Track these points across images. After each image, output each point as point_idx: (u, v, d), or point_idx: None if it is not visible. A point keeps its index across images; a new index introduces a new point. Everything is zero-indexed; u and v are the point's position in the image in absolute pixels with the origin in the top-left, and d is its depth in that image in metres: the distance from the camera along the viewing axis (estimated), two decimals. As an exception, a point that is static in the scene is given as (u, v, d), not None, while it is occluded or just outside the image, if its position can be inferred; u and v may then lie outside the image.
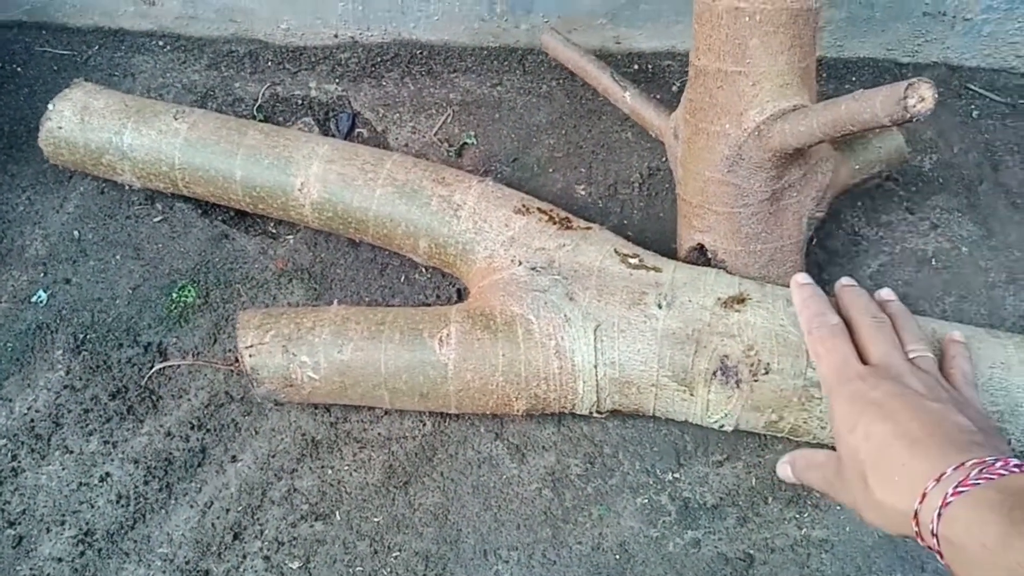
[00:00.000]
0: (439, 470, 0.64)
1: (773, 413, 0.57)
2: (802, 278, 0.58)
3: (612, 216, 0.75)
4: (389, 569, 0.61)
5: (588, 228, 0.65)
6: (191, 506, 0.63)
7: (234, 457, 0.65)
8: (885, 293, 0.59)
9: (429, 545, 0.62)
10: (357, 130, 0.80)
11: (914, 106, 0.46)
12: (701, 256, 0.66)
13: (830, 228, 0.73)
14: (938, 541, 0.39)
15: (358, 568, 0.61)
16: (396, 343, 0.59)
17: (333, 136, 0.80)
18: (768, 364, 0.56)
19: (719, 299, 0.59)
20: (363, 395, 0.60)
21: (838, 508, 0.62)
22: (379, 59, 0.84)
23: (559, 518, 0.62)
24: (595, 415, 0.61)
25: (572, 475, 0.64)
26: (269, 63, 0.84)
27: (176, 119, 0.69)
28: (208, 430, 0.66)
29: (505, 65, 0.83)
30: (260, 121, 0.80)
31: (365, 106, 0.81)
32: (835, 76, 0.83)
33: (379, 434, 0.66)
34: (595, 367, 0.58)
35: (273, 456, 0.65)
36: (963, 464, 0.40)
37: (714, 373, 0.57)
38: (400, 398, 0.60)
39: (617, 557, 0.61)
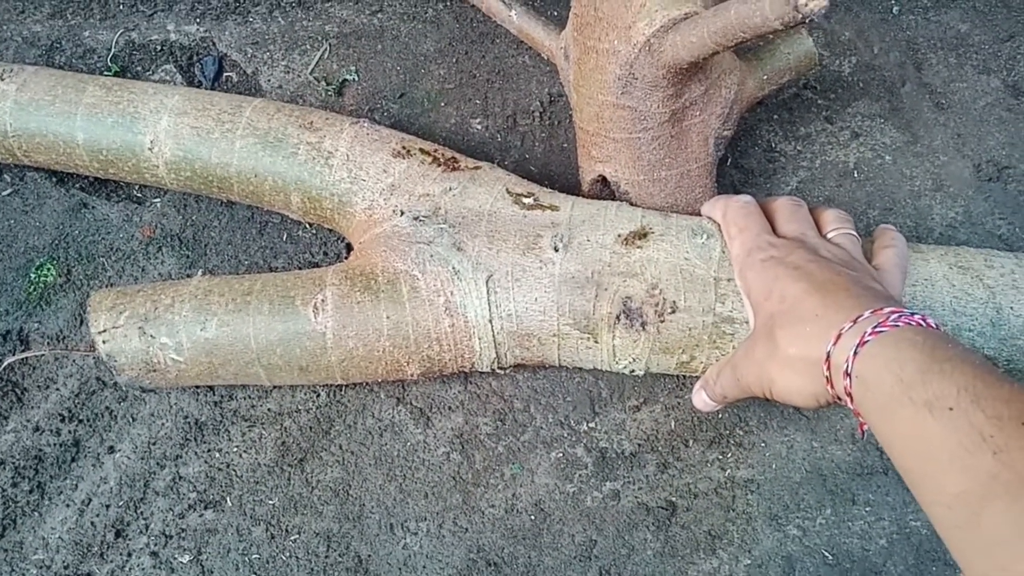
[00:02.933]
0: (337, 443, 0.59)
1: (684, 354, 0.53)
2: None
3: (512, 151, 0.69)
4: (288, 554, 0.56)
5: (477, 167, 0.58)
6: (67, 505, 0.58)
7: (111, 448, 0.59)
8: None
9: (330, 524, 0.57)
10: (225, 74, 0.72)
11: (805, 5, 0.40)
12: (604, 189, 0.60)
13: (744, 146, 0.68)
14: (850, 382, 0.37)
15: (254, 556, 0.56)
16: (266, 314, 0.53)
17: (200, 84, 0.72)
18: (674, 302, 0.52)
19: (619, 236, 0.54)
20: (236, 374, 0.54)
21: (763, 445, 0.58)
22: (244, -9, 0.75)
23: (469, 482, 0.58)
24: (498, 372, 0.57)
25: (482, 435, 0.60)
26: (121, 6, 0.75)
27: (3, 79, 0.61)
28: (81, 421, 0.60)
29: (386, -12, 0.75)
30: (115, 74, 0.71)
31: (232, 47, 0.73)
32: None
33: (269, 410, 0.60)
34: (490, 321, 0.53)
35: (154, 443, 0.59)
36: (881, 309, 0.38)
37: (617, 317, 0.52)
38: (278, 374, 0.54)
39: (533, 517, 0.57)
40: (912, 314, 0.38)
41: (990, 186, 0.67)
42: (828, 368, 0.39)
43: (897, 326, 0.37)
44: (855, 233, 0.50)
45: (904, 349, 0.35)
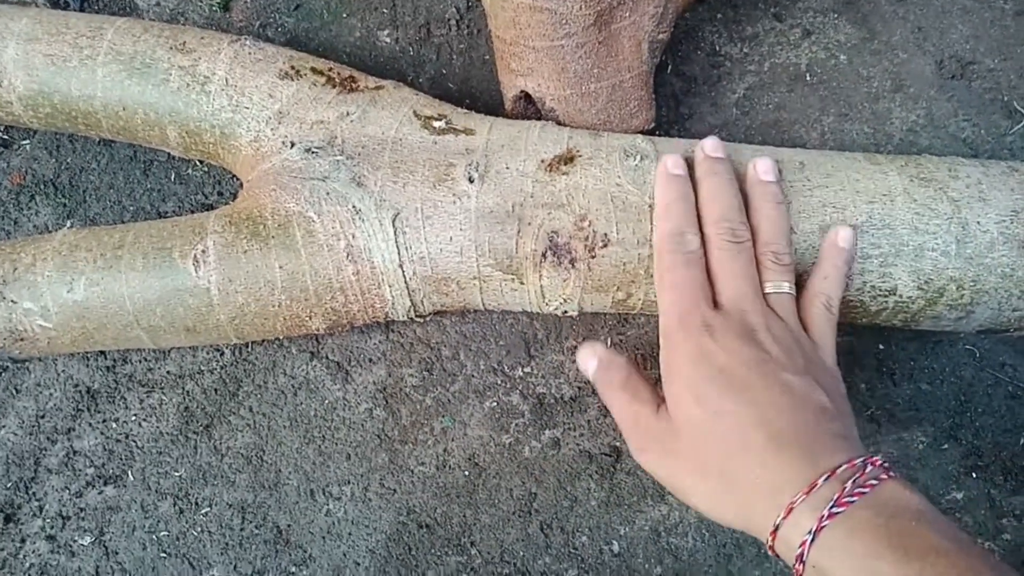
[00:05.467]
0: (246, 405, 0.54)
1: (619, 291, 0.48)
2: (672, 164, 0.46)
3: (428, 65, 0.61)
4: (200, 528, 0.52)
5: (379, 87, 0.51)
6: (-50, 492, 0.52)
7: (-5, 425, 0.53)
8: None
9: (244, 494, 0.52)
10: (95, -10, 0.62)
11: None
12: (530, 106, 0.53)
13: (685, 50, 0.61)
14: (803, 567, 0.34)
15: (163, 532, 0.52)
16: (139, 270, 0.46)
17: (67, 5, 0.62)
18: (606, 235, 0.46)
19: (542, 161, 0.47)
20: (116, 339, 0.48)
21: (709, 382, 0.54)
22: None
23: (396, 439, 0.53)
24: (417, 320, 0.51)
25: (407, 387, 0.54)
26: (-35, -90, 0.64)
27: None
28: (-42, 397, 0.54)
29: None
30: (-36, -8, 0.61)
31: (100, -43, 0.63)
32: None
33: (168, 373, 0.54)
34: (400, 266, 0.47)
35: (43, 416, 0.53)
36: (835, 472, 0.35)
37: (543, 254, 0.46)
38: (163, 337, 0.48)
39: (467, 473, 0.53)
40: (864, 465, 0.35)
41: (953, 84, 0.61)
42: (774, 538, 0.35)
43: (852, 500, 0.34)
44: (791, 289, 0.43)
45: (864, 539, 0.33)
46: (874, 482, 0.35)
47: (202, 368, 0.54)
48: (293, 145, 0.48)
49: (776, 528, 0.35)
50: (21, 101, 0.51)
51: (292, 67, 0.50)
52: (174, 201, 0.57)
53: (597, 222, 0.46)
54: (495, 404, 0.54)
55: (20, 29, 0.51)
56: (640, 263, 0.46)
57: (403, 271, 0.47)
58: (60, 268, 0.46)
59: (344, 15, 0.61)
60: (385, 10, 0.62)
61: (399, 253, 0.47)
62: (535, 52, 0.49)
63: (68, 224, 0.51)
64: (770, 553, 0.36)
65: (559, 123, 0.52)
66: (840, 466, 0.35)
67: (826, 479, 0.35)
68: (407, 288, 0.48)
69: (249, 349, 0.54)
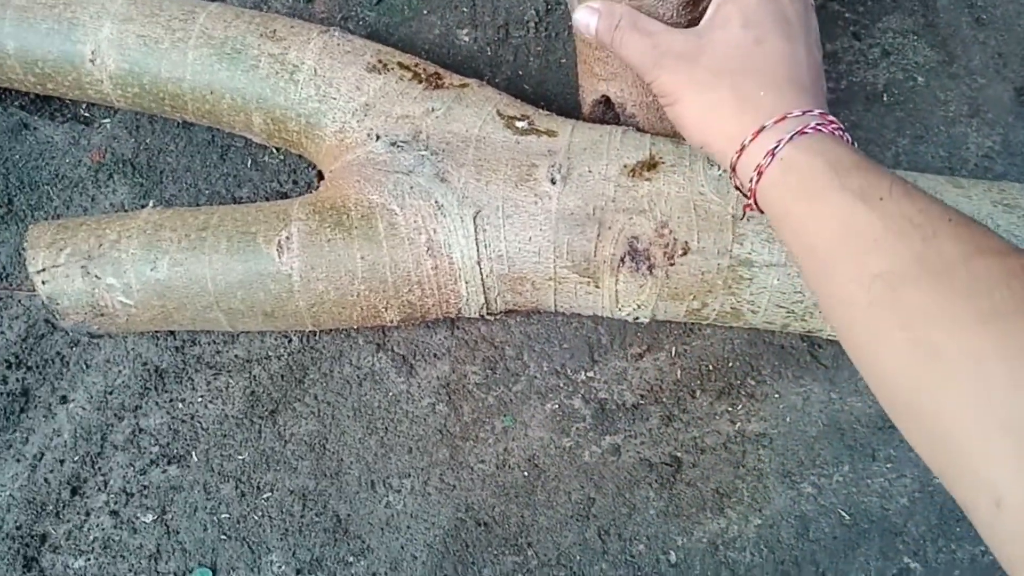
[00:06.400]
0: (312, 392, 0.54)
1: (695, 300, 0.48)
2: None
3: (504, 66, 0.61)
4: (261, 513, 0.52)
5: (464, 85, 0.51)
6: (17, 460, 0.53)
7: (64, 397, 0.54)
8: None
9: (306, 481, 0.53)
10: (180, -24, 0.63)
11: None
12: (608, 111, 0.53)
13: (764, 63, 0.60)
14: (771, 161, 0.37)
15: (223, 515, 0.52)
16: (223, 253, 0.46)
17: (151, -14, 0.63)
18: (686, 243, 0.46)
19: (625, 166, 0.47)
20: (194, 319, 0.49)
21: (776, 396, 0.54)
22: None
23: (457, 436, 0.54)
24: (487, 318, 0.51)
25: (470, 384, 0.54)
26: None
27: (-85, -25, 0.53)
28: (29, 368, 0.55)
29: None
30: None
31: (187, -57, 0.64)
32: None
33: (236, 356, 0.55)
34: (478, 263, 0.47)
35: (111, 392, 0.54)
36: (826, 115, 0.39)
37: (622, 259, 0.46)
38: (241, 319, 0.48)
39: (526, 474, 0.53)
40: (832, 123, 0.38)
41: (1033, 111, 0.61)
42: (754, 137, 0.38)
43: (833, 134, 0.38)
44: None
45: (838, 145, 0.37)
46: (840, 133, 0.38)
47: (270, 354, 0.55)
48: (379, 138, 0.48)
49: (761, 129, 0.38)
50: (111, 80, 0.52)
51: (380, 61, 0.51)
52: (249, 187, 0.58)
53: (678, 230, 0.46)
54: (556, 407, 0.54)
55: (116, 9, 0.52)
56: (719, 273, 0.46)
57: (480, 268, 0.47)
58: (144, 246, 0.47)
59: (424, 12, 0.62)
60: (465, 9, 0.62)
61: (478, 250, 0.47)
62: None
63: (151, 204, 0.52)
64: (733, 154, 0.39)
65: (639, 129, 0.52)
66: (813, 112, 0.38)
67: (819, 114, 0.38)
68: (483, 285, 0.48)
69: (317, 337, 0.55)
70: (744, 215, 0.46)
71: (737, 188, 0.41)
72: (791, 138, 0.37)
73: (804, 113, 0.38)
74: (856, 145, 0.38)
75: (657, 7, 0.45)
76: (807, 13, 0.43)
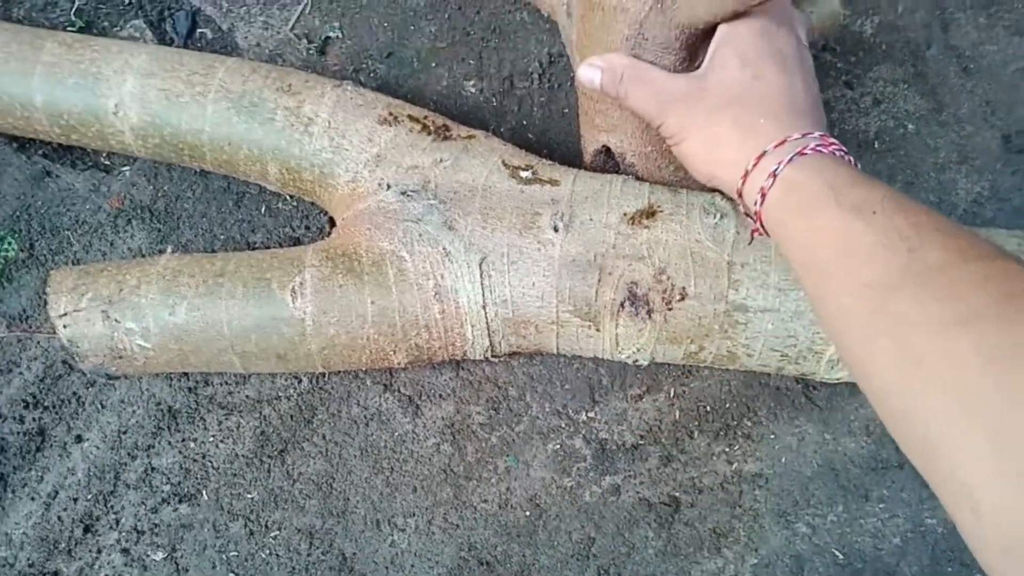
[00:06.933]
0: (320, 433, 0.56)
1: (693, 344, 0.49)
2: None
3: (509, 116, 0.64)
4: (268, 551, 0.53)
5: (471, 136, 0.54)
6: (32, 498, 0.54)
7: (79, 437, 0.56)
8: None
9: (313, 520, 0.54)
10: (199, 31, 0.66)
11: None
12: (608, 160, 0.55)
13: (759, 114, 0.63)
14: (773, 182, 0.39)
15: (232, 553, 0.53)
16: (240, 298, 0.48)
17: (171, 41, 0.66)
18: (684, 289, 0.48)
19: (625, 214, 0.49)
20: (209, 362, 0.50)
21: (772, 437, 0.55)
22: (217, -62, 0.68)
23: (461, 475, 0.55)
24: (491, 360, 0.53)
25: (474, 425, 0.56)
26: (84, -49, 0.68)
27: (-50, 33, 0.55)
28: (46, 407, 0.56)
29: (372, -64, 0.69)
30: (79, 29, 0.66)
31: (206, 0, 0.67)
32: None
33: (247, 397, 0.56)
34: (483, 308, 0.49)
35: (124, 432, 0.56)
36: (826, 137, 0.40)
37: (622, 304, 0.48)
38: (254, 362, 0.50)
39: (528, 513, 0.54)
40: (832, 145, 0.40)
41: (1019, 159, 0.63)
42: (756, 162, 0.40)
43: (833, 154, 0.40)
44: None
45: (836, 164, 0.38)
46: (840, 153, 0.40)
47: (280, 394, 0.56)
48: (389, 187, 0.50)
49: (763, 154, 0.40)
50: (133, 131, 0.54)
51: (390, 113, 0.53)
52: (263, 232, 0.60)
53: (676, 276, 0.48)
54: (558, 447, 0.55)
55: (139, 64, 0.54)
56: (715, 318, 0.48)
57: (486, 312, 0.49)
58: (163, 292, 0.49)
59: (433, 64, 0.64)
60: (472, 61, 0.65)
61: (483, 295, 0.49)
62: (620, 111, 0.52)
63: (168, 249, 0.54)
64: (738, 201, 0.41)
65: (638, 178, 0.54)
66: (813, 134, 0.40)
67: (820, 136, 0.40)
68: (488, 329, 0.50)
69: (326, 378, 0.56)
70: (751, 240, 0.48)
71: (745, 214, 0.42)
72: (791, 159, 0.39)
73: (804, 136, 0.40)
74: (857, 164, 0.40)
75: (658, 60, 0.48)
76: (801, 49, 0.46)
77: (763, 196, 0.39)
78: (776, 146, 0.40)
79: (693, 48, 0.48)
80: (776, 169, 0.39)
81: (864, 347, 0.33)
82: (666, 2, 0.45)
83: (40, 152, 0.63)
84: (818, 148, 0.39)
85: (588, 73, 0.47)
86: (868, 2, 0.67)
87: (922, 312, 0.31)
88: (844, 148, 0.40)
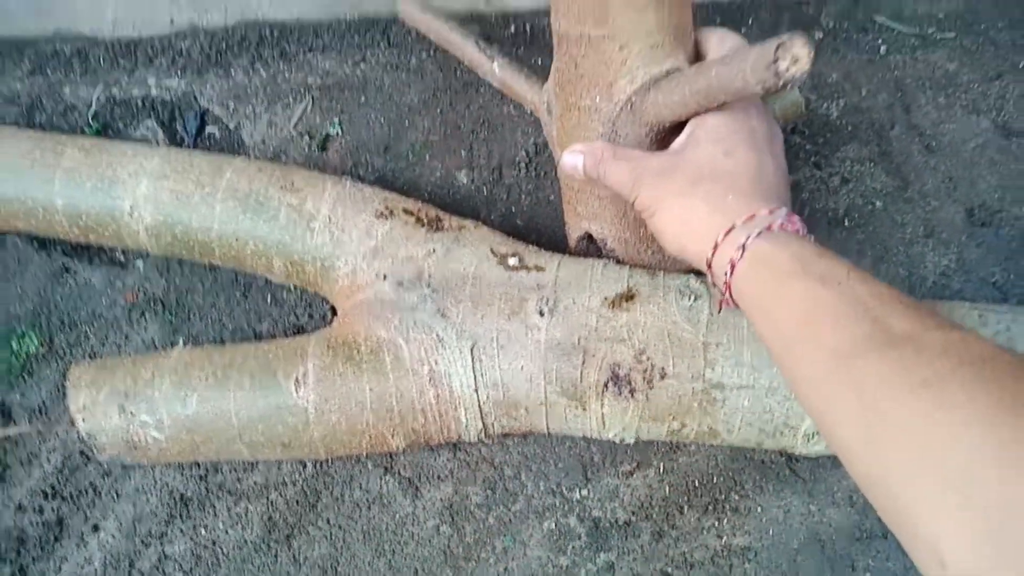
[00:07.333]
0: (324, 517, 0.58)
1: (675, 420, 0.52)
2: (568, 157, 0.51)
3: (499, 203, 0.68)
4: (275, 633, 0.55)
5: (461, 227, 0.57)
6: (48, 587, 0.56)
7: (95, 526, 0.58)
8: None
9: (318, 601, 0.56)
10: (207, 129, 0.71)
11: (787, 70, 0.39)
12: (591, 245, 0.59)
13: (733, 196, 0.66)
14: (742, 254, 0.41)
15: (240, 636, 0.55)
16: (247, 389, 0.51)
17: (182, 140, 0.71)
18: (663, 368, 0.50)
19: (605, 298, 0.53)
20: (218, 451, 0.53)
21: (759, 510, 0.57)
22: (224, 45, 0.74)
23: (460, 556, 0.57)
24: (484, 442, 0.55)
25: (472, 505, 0.58)
26: (101, 61, 0.74)
27: (-22, 145, 0.60)
28: (64, 498, 0.59)
29: (367, 39, 0.74)
30: (96, 131, 0.70)
31: (214, 101, 0.72)
32: (731, 19, 0.75)
33: (255, 483, 0.59)
34: (475, 391, 0.52)
35: (139, 520, 0.58)
36: (772, 212, 0.42)
37: (606, 384, 0.51)
38: (260, 450, 0.53)
39: (526, 589, 0.56)
40: (797, 222, 0.43)
41: (983, 232, 0.66)
42: (726, 235, 0.42)
43: (797, 232, 0.42)
44: None
45: (801, 240, 0.41)
46: (803, 232, 0.42)
47: (286, 480, 0.59)
48: (386, 278, 0.54)
49: (731, 228, 0.42)
50: (147, 231, 0.58)
51: (386, 207, 0.57)
52: (269, 321, 0.63)
53: (655, 356, 0.51)
54: (553, 525, 0.57)
55: (152, 167, 0.58)
56: (694, 396, 0.51)
57: (478, 396, 0.52)
58: (176, 385, 0.52)
59: (427, 157, 0.69)
60: (463, 153, 0.69)
61: (475, 379, 0.52)
62: (599, 200, 0.55)
63: (180, 342, 0.57)
64: (708, 252, 0.43)
65: (619, 261, 0.57)
66: (780, 211, 0.42)
67: (787, 214, 0.42)
68: (480, 411, 0.52)
69: (329, 463, 0.59)
70: (720, 310, 0.50)
71: (714, 285, 0.44)
72: (759, 234, 0.41)
73: (771, 212, 0.42)
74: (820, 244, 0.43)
75: (635, 146, 0.52)
76: (771, 127, 0.49)
77: (732, 267, 0.41)
78: (745, 221, 0.42)
79: (664, 141, 0.52)
80: (745, 241, 0.41)
81: (832, 409, 0.35)
82: (635, 104, 0.50)
83: (60, 249, 0.67)
84: (783, 226, 0.42)
85: (571, 159, 0.51)
86: (833, 86, 0.72)
87: (888, 375, 0.32)
88: (806, 227, 0.43)
